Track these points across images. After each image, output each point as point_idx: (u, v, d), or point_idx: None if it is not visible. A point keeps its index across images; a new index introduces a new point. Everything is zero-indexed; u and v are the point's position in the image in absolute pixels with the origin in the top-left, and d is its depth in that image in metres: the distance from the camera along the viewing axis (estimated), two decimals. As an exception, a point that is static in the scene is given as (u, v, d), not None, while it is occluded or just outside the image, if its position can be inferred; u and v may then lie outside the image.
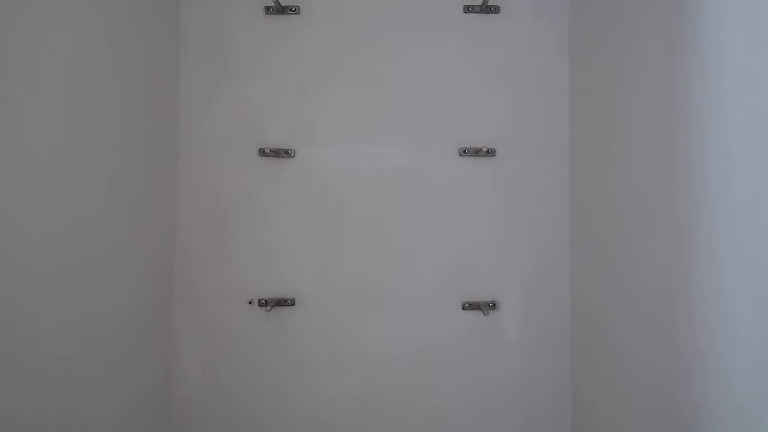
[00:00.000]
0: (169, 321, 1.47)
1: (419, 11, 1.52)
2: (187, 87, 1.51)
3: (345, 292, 1.50)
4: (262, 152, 1.49)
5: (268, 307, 1.45)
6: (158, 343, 1.42)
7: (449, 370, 1.50)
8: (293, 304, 1.49)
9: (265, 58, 1.51)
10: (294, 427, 1.49)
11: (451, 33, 1.52)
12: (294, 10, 1.50)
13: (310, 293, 1.50)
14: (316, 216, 1.50)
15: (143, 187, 1.32)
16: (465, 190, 1.52)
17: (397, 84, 1.52)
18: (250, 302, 1.49)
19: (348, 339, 1.50)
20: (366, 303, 1.50)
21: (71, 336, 1.03)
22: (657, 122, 1.11)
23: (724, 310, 0.90)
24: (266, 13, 1.51)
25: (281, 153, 1.49)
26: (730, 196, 0.89)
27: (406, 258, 1.51)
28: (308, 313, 1.50)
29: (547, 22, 1.53)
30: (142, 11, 1.30)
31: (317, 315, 1.50)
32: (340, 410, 1.49)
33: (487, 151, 1.49)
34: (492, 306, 1.50)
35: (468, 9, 1.52)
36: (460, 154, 1.51)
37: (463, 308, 1.50)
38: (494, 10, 1.52)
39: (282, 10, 1.49)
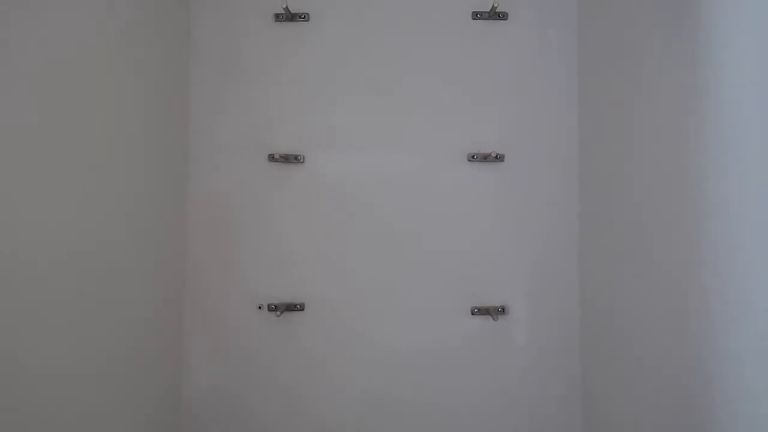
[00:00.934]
0: (178, 324, 1.48)
1: (428, 18, 1.53)
2: (197, 93, 1.52)
3: (354, 297, 1.51)
4: (271, 158, 1.50)
5: (278, 312, 1.45)
6: (167, 346, 1.42)
7: (459, 375, 1.50)
8: (302, 309, 1.50)
9: (274, 65, 1.52)
10: (302, 429, 1.49)
11: (460, 39, 1.53)
12: (303, 18, 1.52)
13: (319, 298, 1.50)
14: (325, 221, 1.51)
15: (154, 193, 1.33)
16: (473, 196, 1.52)
17: (406, 90, 1.53)
18: (259, 307, 1.49)
19: (357, 343, 1.50)
20: (375, 308, 1.51)
21: (77, 340, 1.04)
22: (668, 128, 1.11)
23: (737, 313, 0.90)
24: (276, 20, 1.52)
25: (291, 159, 1.50)
26: (742, 199, 0.89)
27: (414, 263, 1.51)
28: (317, 317, 1.50)
29: (555, 28, 1.54)
30: (152, 18, 1.32)
31: (326, 319, 1.50)
32: (350, 414, 1.49)
33: (496, 156, 1.50)
34: (501, 311, 1.50)
35: (476, 15, 1.53)
36: (469, 160, 1.52)
37: (473, 313, 1.50)
38: (502, 16, 1.52)
39: (291, 17, 1.51)
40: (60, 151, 0.97)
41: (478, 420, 1.50)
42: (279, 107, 1.52)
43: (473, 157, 1.51)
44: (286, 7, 1.46)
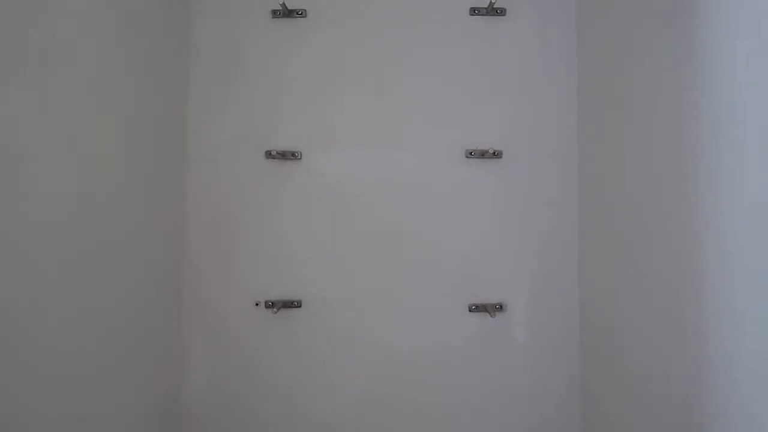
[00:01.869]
0: (177, 323, 1.48)
1: (425, 14, 1.52)
2: (196, 91, 1.52)
3: (351, 294, 1.50)
4: (268, 154, 1.49)
5: (275, 309, 1.45)
6: (166, 345, 1.42)
7: (457, 372, 1.50)
8: (300, 306, 1.49)
9: (272, 62, 1.52)
10: (301, 428, 1.49)
11: (458, 36, 1.52)
12: (300, 14, 1.51)
13: (316, 295, 1.50)
14: (322, 218, 1.51)
15: (152, 191, 1.33)
16: (471, 192, 1.51)
17: (404, 87, 1.52)
18: (256, 304, 1.49)
19: (354, 341, 1.50)
20: (372, 305, 1.50)
21: (77, 339, 1.04)
22: (666, 126, 1.10)
23: (736, 313, 0.89)
24: (273, 17, 1.52)
25: (288, 155, 1.50)
26: (741, 198, 0.88)
27: (412, 260, 1.51)
28: (315, 314, 1.50)
29: (554, 25, 1.53)
30: (152, 15, 1.31)
31: (324, 317, 1.50)
32: (348, 411, 1.49)
33: (494, 153, 1.49)
34: (499, 308, 1.49)
35: (474, 11, 1.52)
36: (467, 157, 1.51)
37: (470, 310, 1.49)
38: (501, 12, 1.52)
39: (288, 13, 1.50)
40: (58, 149, 0.97)
41: (477, 419, 1.49)
42: (277, 104, 1.52)
43: (471, 153, 1.50)
44: (284, 3, 1.45)
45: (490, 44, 1.53)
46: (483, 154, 1.50)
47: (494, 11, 1.51)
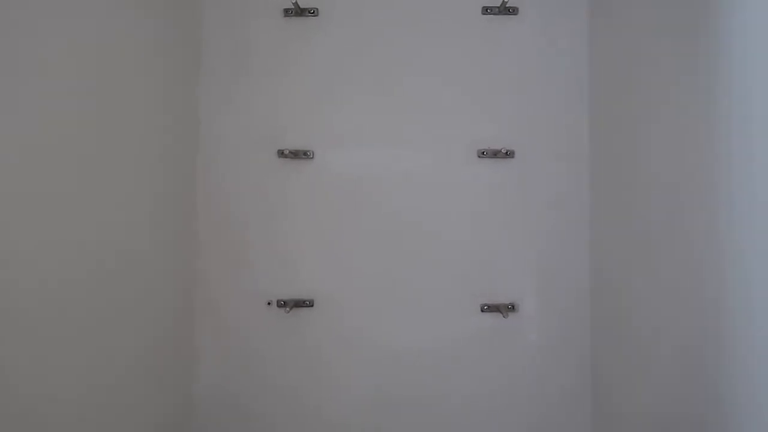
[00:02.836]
0: (189, 323, 1.48)
1: (437, 13, 1.52)
2: (207, 90, 1.51)
3: (363, 293, 1.50)
4: (281, 153, 1.49)
5: (287, 309, 1.45)
6: (177, 345, 1.42)
7: (468, 372, 1.50)
8: (312, 305, 1.49)
9: (284, 60, 1.52)
10: (313, 429, 1.48)
11: (470, 35, 1.52)
12: (312, 13, 1.51)
13: (328, 294, 1.50)
14: (334, 217, 1.51)
15: (164, 191, 1.33)
16: (483, 192, 1.51)
17: (416, 86, 1.52)
18: (268, 303, 1.49)
19: (367, 340, 1.50)
20: (384, 304, 1.50)
21: (92, 343, 1.04)
22: (679, 124, 1.10)
23: (750, 308, 0.88)
24: (285, 16, 1.51)
25: (300, 154, 1.49)
26: (753, 194, 0.87)
27: (424, 259, 1.51)
28: (327, 314, 1.50)
29: (566, 24, 1.52)
30: (162, 13, 1.31)
31: (336, 316, 1.50)
32: (360, 412, 1.49)
33: (506, 153, 1.49)
34: (511, 308, 1.49)
35: (486, 10, 1.51)
36: (479, 156, 1.51)
37: (482, 310, 1.49)
38: (513, 11, 1.51)
39: (300, 12, 1.50)
40: (69, 151, 0.96)
41: (488, 419, 1.49)
42: (289, 103, 1.51)
43: (483, 153, 1.50)
44: (296, 2, 1.45)
45: (502, 43, 1.52)
46: (495, 154, 1.49)
47: (506, 10, 1.51)
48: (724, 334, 0.95)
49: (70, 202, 0.96)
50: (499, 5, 1.49)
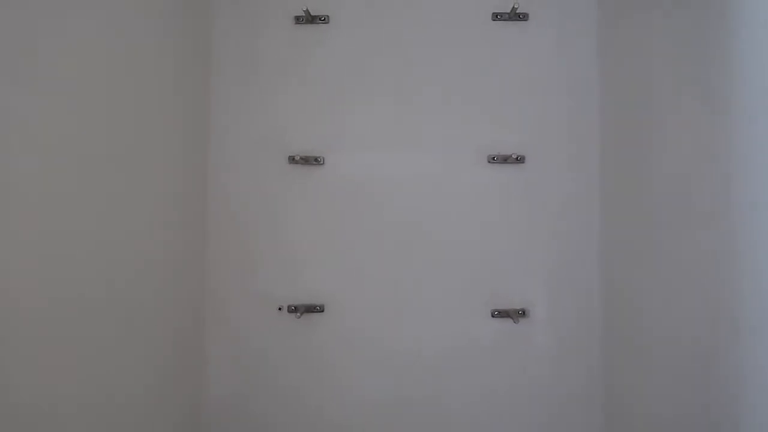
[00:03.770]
0: (200, 329, 1.48)
1: (448, 19, 1.53)
2: (218, 94, 1.53)
3: (374, 299, 1.50)
4: (291, 159, 1.50)
5: (298, 314, 1.45)
6: (190, 354, 1.43)
7: (478, 378, 1.49)
8: (322, 311, 1.50)
9: (294, 67, 1.53)
10: (324, 433, 1.49)
11: (480, 41, 1.53)
12: (323, 20, 1.52)
13: (339, 299, 1.50)
14: (344, 222, 1.51)
15: (174, 196, 1.34)
16: (494, 197, 1.51)
17: (426, 91, 1.52)
18: (279, 308, 1.49)
19: (377, 345, 1.50)
20: (395, 309, 1.50)
21: (103, 350, 1.04)
22: (691, 128, 1.10)
23: (764, 315, 0.89)
24: (296, 23, 1.53)
25: (311, 160, 1.50)
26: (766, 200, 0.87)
27: (434, 265, 1.51)
28: (337, 319, 1.50)
29: (576, 29, 1.53)
30: (173, 19, 1.32)
31: (346, 321, 1.50)
32: (370, 417, 1.49)
33: (517, 158, 1.49)
34: (522, 314, 1.49)
35: (496, 16, 1.52)
36: (489, 161, 1.51)
37: (493, 316, 1.49)
38: (523, 17, 1.52)
39: (312, 19, 1.51)
40: (79, 153, 0.96)
41: (498, 423, 1.48)
42: (299, 109, 1.52)
43: (493, 158, 1.50)
44: (307, 9, 1.46)
45: (512, 48, 1.53)
46: (506, 159, 1.49)
47: (516, 16, 1.51)
48: (737, 337, 0.94)
49: (80, 207, 0.96)
50: (509, 11, 1.50)
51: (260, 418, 1.49)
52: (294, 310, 1.48)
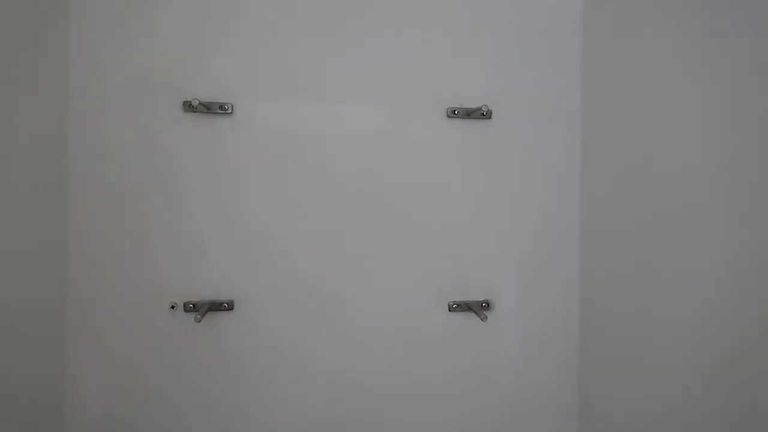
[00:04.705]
0: (59, 339, 1.08)
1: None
2: (82, 15, 1.10)
3: (300, 293, 1.17)
4: (188, 106, 1.11)
5: (198, 315, 1.08)
6: (45, 371, 1.03)
7: (432, 386, 1.21)
8: (231, 309, 1.14)
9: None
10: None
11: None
12: None
13: (253, 294, 1.15)
14: (262, 193, 1.15)
15: (10, 155, 0.92)
16: (454, 160, 1.21)
17: (372, 24, 1.18)
18: (172, 307, 1.13)
19: (305, 352, 1.17)
20: (327, 306, 1.18)
21: None
22: (694, 80, 0.90)
23: (748, 313, 0.78)
24: None
25: (215, 108, 1.12)
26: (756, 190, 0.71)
27: (378, 246, 1.19)
28: (252, 319, 1.15)
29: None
30: None
31: (264, 322, 1.16)
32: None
33: (483, 113, 1.19)
34: (486, 306, 1.21)
35: (460, -70, 1.19)
36: (449, 116, 1.20)
37: (450, 309, 1.20)
38: (492, -68, 1.20)
39: None
40: None
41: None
42: (199, 37, 1.13)
43: (454, 112, 1.19)
44: None
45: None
46: (469, 114, 1.19)
47: (484, -69, 1.19)
48: (722, 334, 0.86)
49: None
50: None
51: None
52: (192, 308, 1.12)
